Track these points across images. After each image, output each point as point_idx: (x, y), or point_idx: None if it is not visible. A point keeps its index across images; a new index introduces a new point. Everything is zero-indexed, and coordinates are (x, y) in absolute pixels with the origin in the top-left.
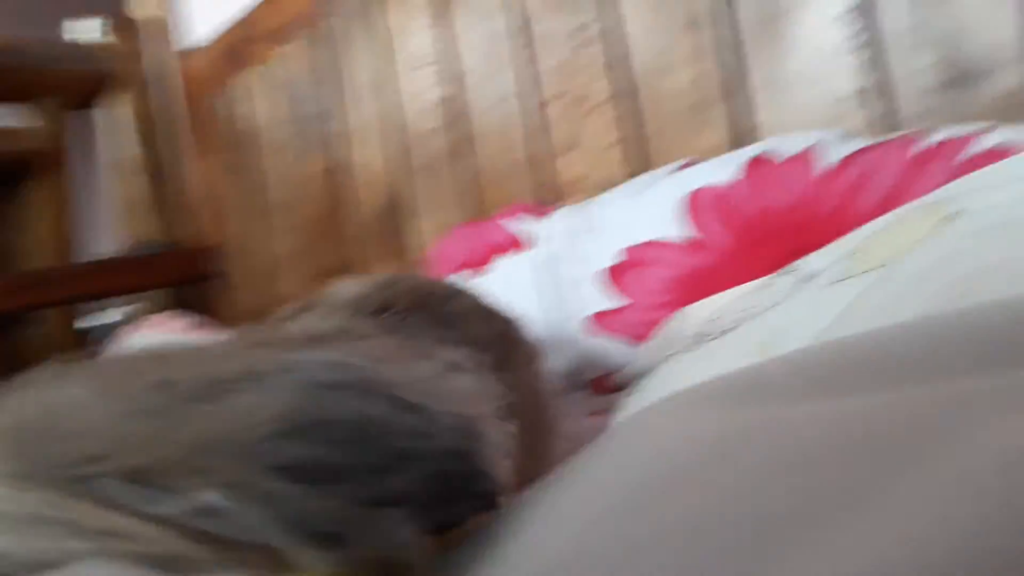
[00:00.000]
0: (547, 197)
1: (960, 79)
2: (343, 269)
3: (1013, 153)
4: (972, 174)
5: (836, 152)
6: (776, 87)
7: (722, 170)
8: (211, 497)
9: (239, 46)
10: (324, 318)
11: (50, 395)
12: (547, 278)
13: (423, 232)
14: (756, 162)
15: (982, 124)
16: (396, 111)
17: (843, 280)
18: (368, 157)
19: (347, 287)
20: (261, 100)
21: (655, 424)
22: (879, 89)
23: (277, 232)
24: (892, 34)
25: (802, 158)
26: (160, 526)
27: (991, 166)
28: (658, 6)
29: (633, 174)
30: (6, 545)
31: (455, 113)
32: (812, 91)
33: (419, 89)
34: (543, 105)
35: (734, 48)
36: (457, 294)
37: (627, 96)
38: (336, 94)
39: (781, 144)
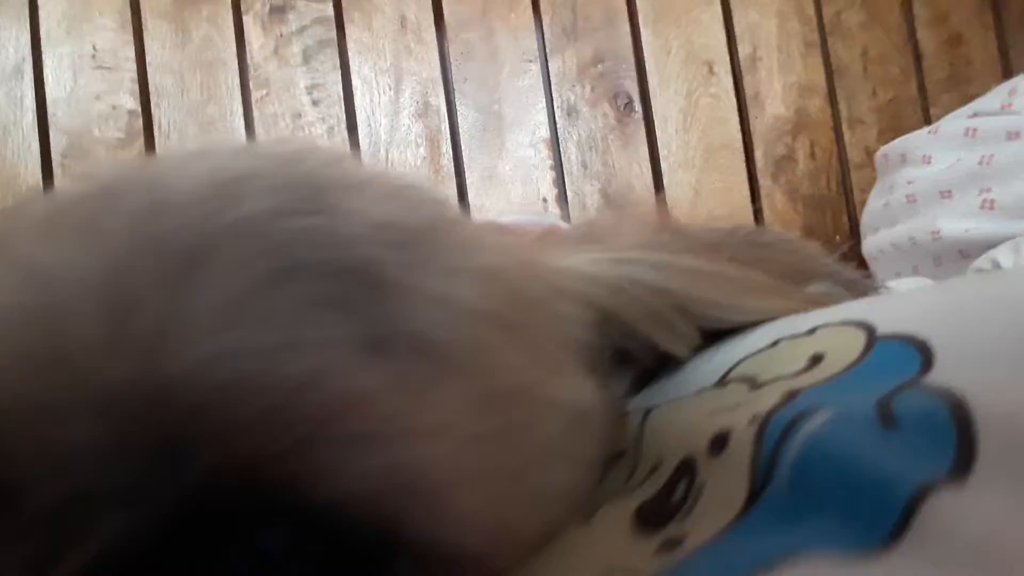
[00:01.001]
0: None
1: (611, 203)
2: None
3: None
4: None
5: None
6: (494, 180)
7: None
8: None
9: None
10: None
11: None
12: None
13: None
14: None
15: None
16: (44, 106)
17: None
18: None
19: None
20: None
21: None
22: (561, 200)
23: None
24: (568, 166)
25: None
26: None
27: None
28: (394, 87)
29: None
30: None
31: (138, 128)
32: (521, 189)
33: (93, 91)
34: None
35: (460, 143)
36: None
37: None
38: None
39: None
